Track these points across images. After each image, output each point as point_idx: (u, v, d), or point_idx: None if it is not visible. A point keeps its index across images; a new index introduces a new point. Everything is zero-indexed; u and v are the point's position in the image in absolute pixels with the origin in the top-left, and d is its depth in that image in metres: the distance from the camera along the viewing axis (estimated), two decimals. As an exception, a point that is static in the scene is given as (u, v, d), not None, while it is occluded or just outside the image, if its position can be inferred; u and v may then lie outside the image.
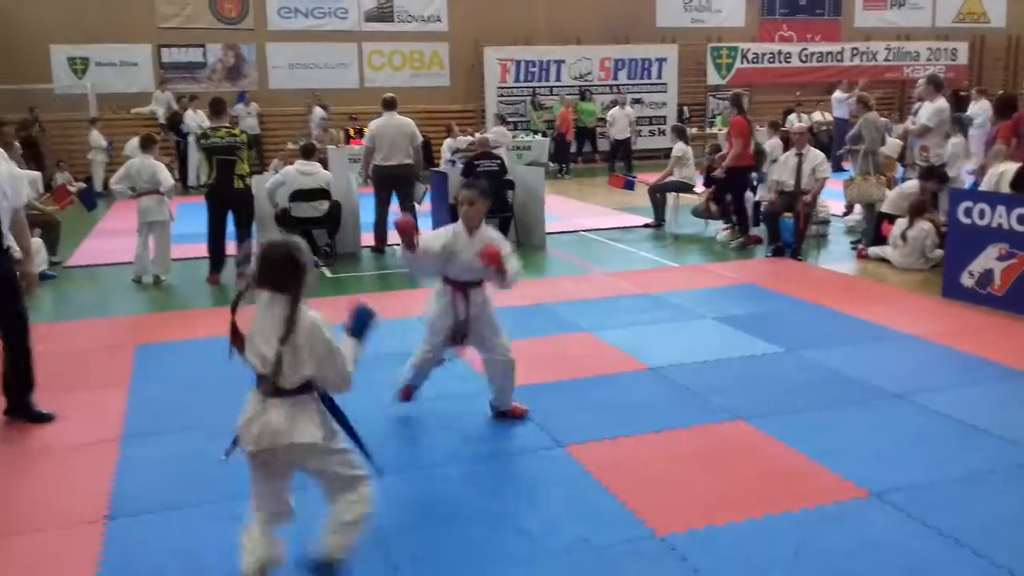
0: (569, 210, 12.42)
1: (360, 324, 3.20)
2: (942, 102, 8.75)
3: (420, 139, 9.77)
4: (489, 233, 4.58)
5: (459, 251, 4.49)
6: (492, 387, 4.74)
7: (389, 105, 9.61)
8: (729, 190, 9.64)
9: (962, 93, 9.66)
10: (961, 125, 8.61)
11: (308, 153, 9.15)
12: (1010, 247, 6.64)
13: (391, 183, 9.48)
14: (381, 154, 9.44)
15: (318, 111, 17.14)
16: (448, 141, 15.38)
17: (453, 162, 12.23)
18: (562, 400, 5.00)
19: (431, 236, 4.58)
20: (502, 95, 18.67)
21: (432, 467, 4.20)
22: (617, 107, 17.01)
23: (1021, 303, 6.53)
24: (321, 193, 8.97)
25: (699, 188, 10.75)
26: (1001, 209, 6.71)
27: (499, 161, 9.80)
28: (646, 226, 10.99)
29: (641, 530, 3.55)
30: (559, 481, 4.03)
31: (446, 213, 9.61)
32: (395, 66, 18.75)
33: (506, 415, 4.74)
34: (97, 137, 16.01)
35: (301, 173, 8.91)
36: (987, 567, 3.22)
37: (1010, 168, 7.24)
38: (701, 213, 10.50)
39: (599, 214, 12.18)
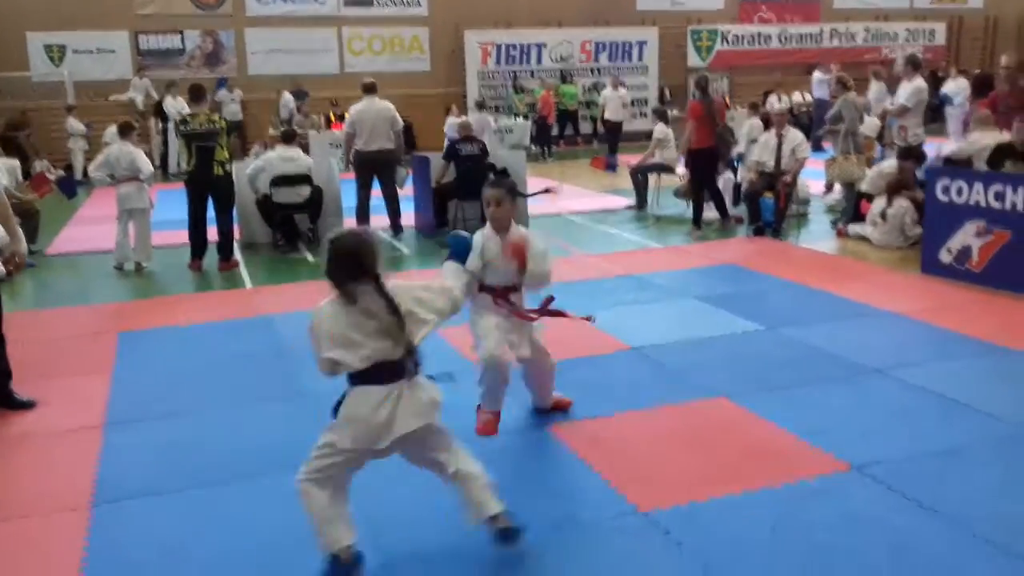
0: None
1: (460, 250, 3.52)
2: (920, 82, 8.80)
3: (401, 123, 9.76)
4: (520, 233, 4.28)
5: (492, 256, 4.18)
6: (533, 389, 4.50)
7: (369, 90, 9.58)
8: (695, 174, 9.52)
9: (940, 73, 9.72)
10: (941, 104, 8.68)
11: (289, 138, 9.11)
12: (987, 223, 6.71)
13: (372, 168, 9.47)
14: (362, 139, 9.43)
15: (287, 96, 16.99)
16: (451, 119, 15.29)
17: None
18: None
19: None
20: (483, 79, 18.62)
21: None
22: (609, 88, 16.72)
23: (999, 279, 6.61)
24: (302, 178, 8.93)
25: (680, 170, 10.77)
26: (978, 186, 6.76)
27: (481, 145, 9.79)
28: (628, 208, 11.01)
29: (624, 506, 3.58)
30: (543, 460, 4.06)
31: (429, 198, 9.62)
32: (375, 51, 18.65)
33: (549, 411, 4.56)
34: (74, 124, 15.86)
35: (282, 159, 8.88)
36: (967, 539, 3.25)
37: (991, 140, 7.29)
38: (683, 194, 10.53)
39: (581, 196, 12.19)
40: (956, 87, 8.62)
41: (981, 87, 8.36)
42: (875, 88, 10.62)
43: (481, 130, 13.65)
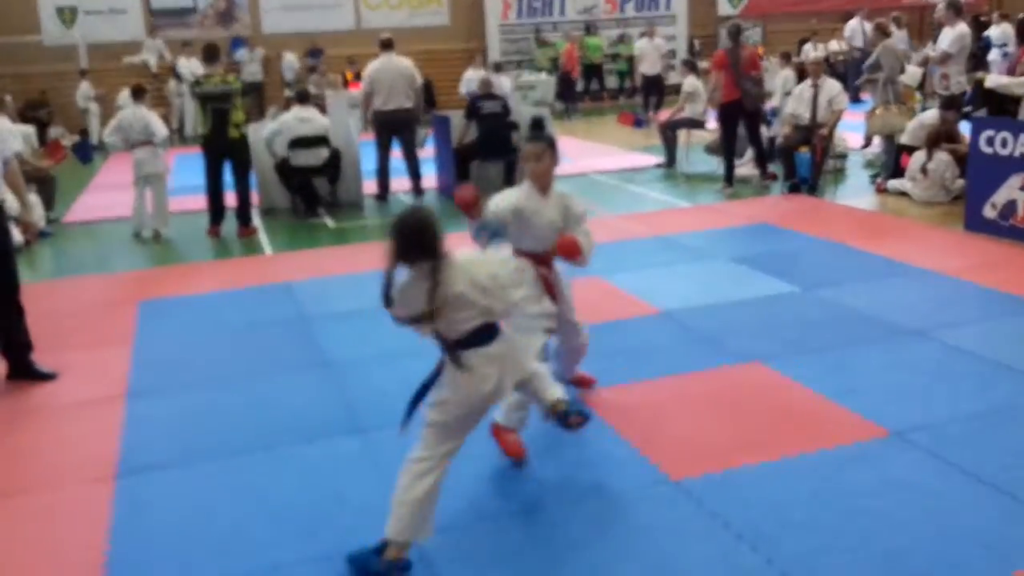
0: (576, 151, 12.16)
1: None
2: (963, 27, 8.42)
3: (420, 81, 9.54)
4: (564, 196, 3.91)
5: (531, 216, 3.79)
6: (561, 360, 4.23)
7: (387, 46, 9.36)
8: (726, 129, 9.05)
9: (983, 18, 9.30)
10: (985, 49, 8.31)
11: (303, 99, 8.92)
12: (1032, 175, 6.42)
13: (392, 128, 9.29)
14: (381, 98, 9.23)
15: (288, 58, 16.68)
16: (469, 73, 14.89)
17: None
18: (574, 345, 4.88)
19: (498, 199, 3.81)
20: (504, 33, 18.23)
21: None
22: (645, 39, 15.49)
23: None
24: (320, 140, 8.77)
25: (711, 124, 10.46)
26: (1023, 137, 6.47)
27: (503, 102, 9.56)
28: (657, 166, 10.75)
29: (656, 475, 3.47)
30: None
31: (450, 158, 9.44)
32: (392, 5, 18.29)
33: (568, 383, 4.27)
34: (87, 88, 15.79)
35: (297, 120, 8.70)
36: (1009, 503, 3.14)
37: None
38: (714, 151, 10.23)
39: (608, 154, 11.93)
40: (1000, 33, 8.22)
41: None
42: (897, 37, 10.16)
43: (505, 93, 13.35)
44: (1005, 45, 8.04)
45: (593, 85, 18.15)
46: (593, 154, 11.97)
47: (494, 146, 9.30)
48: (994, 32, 8.29)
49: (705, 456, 3.59)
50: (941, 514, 3.11)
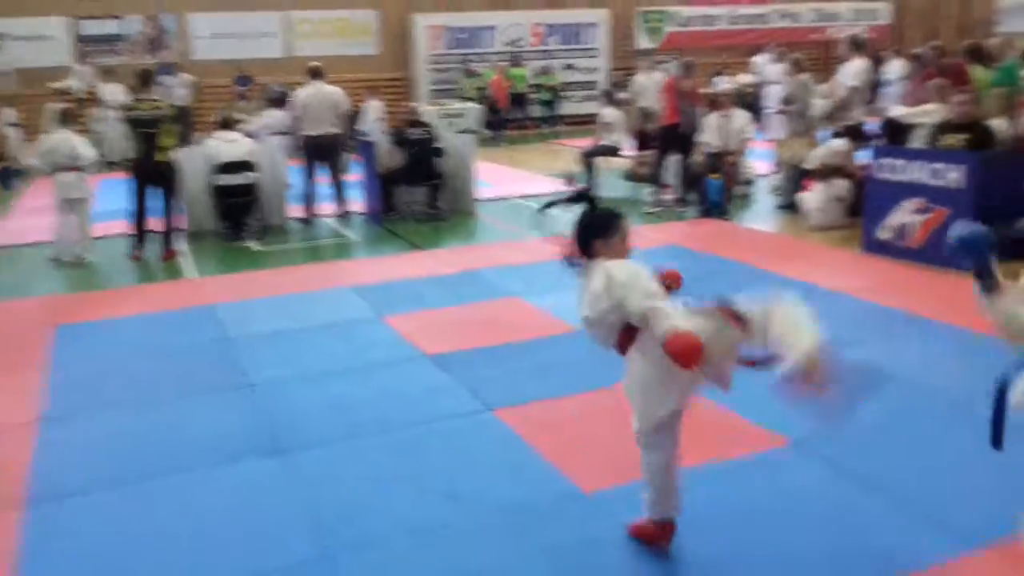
0: (500, 177, 12.38)
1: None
2: (861, 62, 8.92)
3: (345, 107, 9.68)
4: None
5: None
6: None
7: (316, 74, 9.50)
8: (663, 149, 9.62)
9: (881, 53, 9.88)
10: (880, 84, 8.87)
11: (227, 124, 8.95)
12: (927, 201, 6.84)
13: (318, 153, 9.39)
14: (308, 124, 9.33)
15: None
16: (372, 103, 14.72)
17: None
18: (493, 365, 5.03)
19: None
20: (433, 63, 18.45)
21: (360, 437, 4.19)
22: (641, 74, 12.40)
23: (937, 256, 6.74)
24: (244, 165, 8.79)
25: (629, 152, 10.80)
26: (917, 163, 6.90)
27: (429, 128, 9.72)
28: (578, 191, 10.99)
29: (568, 488, 3.61)
30: (488, 444, 4.06)
31: (375, 183, 9.55)
32: (323, 34, 18.36)
33: None
34: (9, 114, 15.40)
35: (222, 145, 8.72)
36: (897, 507, 3.35)
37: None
38: (632, 177, 10.58)
39: (530, 180, 12.17)
40: (896, 67, 8.79)
41: (921, 66, 8.51)
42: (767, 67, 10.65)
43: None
44: (901, 79, 8.60)
45: (518, 114, 18.49)
46: (518, 180, 12.21)
47: (419, 171, 9.46)
48: (889, 67, 8.85)
49: (616, 469, 3.72)
50: (833, 520, 3.31)
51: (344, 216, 9.68)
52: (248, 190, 8.84)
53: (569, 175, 12.56)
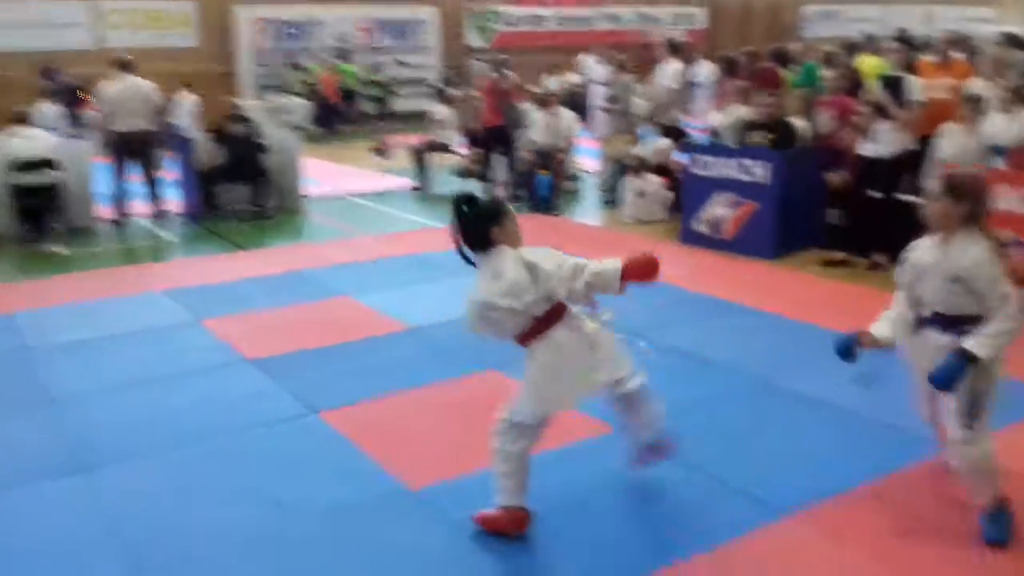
0: (329, 174, 12.12)
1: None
2: (678, 64, 9.34)
3: (158, 101, 9.16)
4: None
5: None
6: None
7: (125, 67, 8.94)
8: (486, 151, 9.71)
9: (692, 57, 10.38)
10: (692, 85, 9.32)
11: (22, 119, 8.26)
12: (737, 195, 7.24)
13: (128, 150, 8.82)
14: (115, 119, 8.76)
15: None
16: (187, 97, 13.98)
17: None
18: (319, 366, 4.89)
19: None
20: (257, 57, 17.81)
21: (174, 449, 3.96)
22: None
23: (748, 246, 7.16)
24: (44, 163, 8.13)
25: (462, 149, 10.83)
26: (727, 160, 7.29)
27: (250, 124, 9.36)
28: (415, 189, 10.94)
29: (395, 486, 3.56)
30: (313, 448, 3.94)
31: (194, 181, 9.11)
32: (137, 24, 17.31)
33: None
34: None
35: (19, 142, 8.03)
36: (715, 484, 3.52)
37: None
38: (463, 173, 10.60)
39: (361, 177, 11.99)
40: (703, 71, 9.28)
41: (725, 69, 8.99)
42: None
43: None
44: (712, 82, 9.07)
45: (349, 111, 18.18)
46: (348, 177, 11.99)
47: (241, 168, 9.09)
48: (699, 70, 9.32)
49: (443, 464, 3.72)
50: (653, 498, 3.44)
51: (159, 216, 9.16)
52: (49, 190, 8.18)
53: (378, 148, 12.54)
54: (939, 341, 3.02)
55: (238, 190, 9.20)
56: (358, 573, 2.99)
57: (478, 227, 3.13)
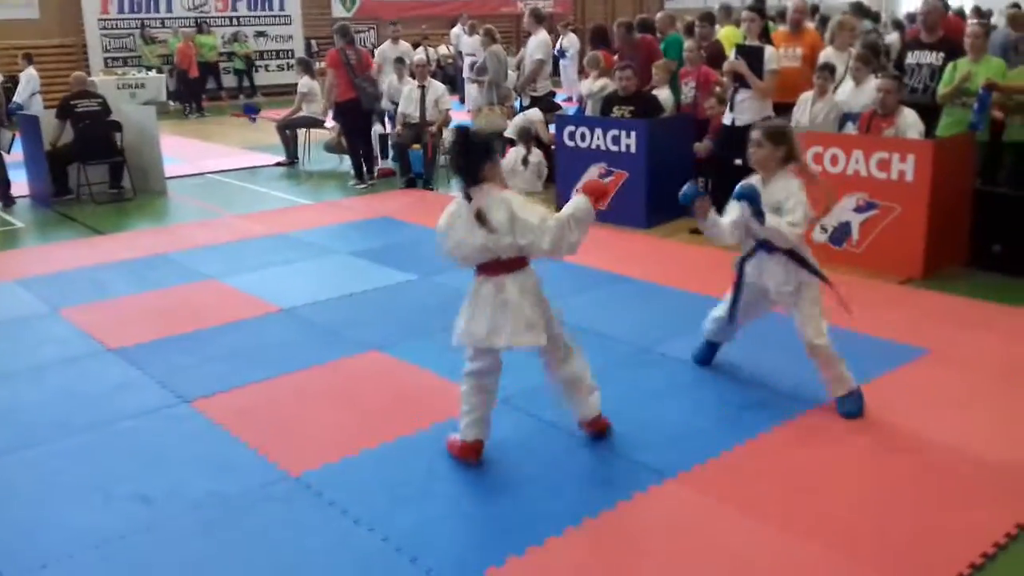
0: (193, 152, 11.60)
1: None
2: (544, 35, 9.36)
3: (-1, 78, 8.50)
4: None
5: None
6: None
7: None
8: (345, 127, 9.33)
9: (558, 27, 10.44)
10: (558, 57, 9.34)
11: None
12: (608, 165, 7.35)
13: (-33, 130, 8.16)
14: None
15: None
16: (29, 71, 13.04)
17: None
18: (188, 353, 4.68)
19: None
20: (105, 28, 16.76)
21: (32, 446, 3.71)
22: (387, 43, 11.51)
23: (618, 215, 7.28)
24: None
25: (329, 123, 10.55)
26: (599, 132, 7.39)
27: (100, 100, 8.81)
28: (278, 164, 10.60)
29: (275, 473, 3.45)
30: (184, 439, 3.77)
31: (42, 162, 8.52)
32: (-33, -6, 15.98)
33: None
34: None
35: None
36: (594, 451, 3.57)
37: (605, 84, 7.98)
38: (333, 148, 10.35)
39: (226, 155, 11.52)
40: (569, 42, 9.32)
41: (596, 39, 9.08)
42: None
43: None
44: (567, 51, 9.12)
45: (210, 84, 17.39)
46: (213, 155, 11.50)
47: (93, 148, 8.57)
48: (564, 41, 9.37)
49: (325, 448, 3.63)
50: (538, 468, 3.45)
51: (6, 201, 8.53)
52: None
53: (250, 104, 12.05)
54: (768, 262, 3.80)
55: (92, 171, 8.67)
56: (237, 563, 2.88)
57: (471, 160, 3.24)
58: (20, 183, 8.82)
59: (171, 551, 2.97)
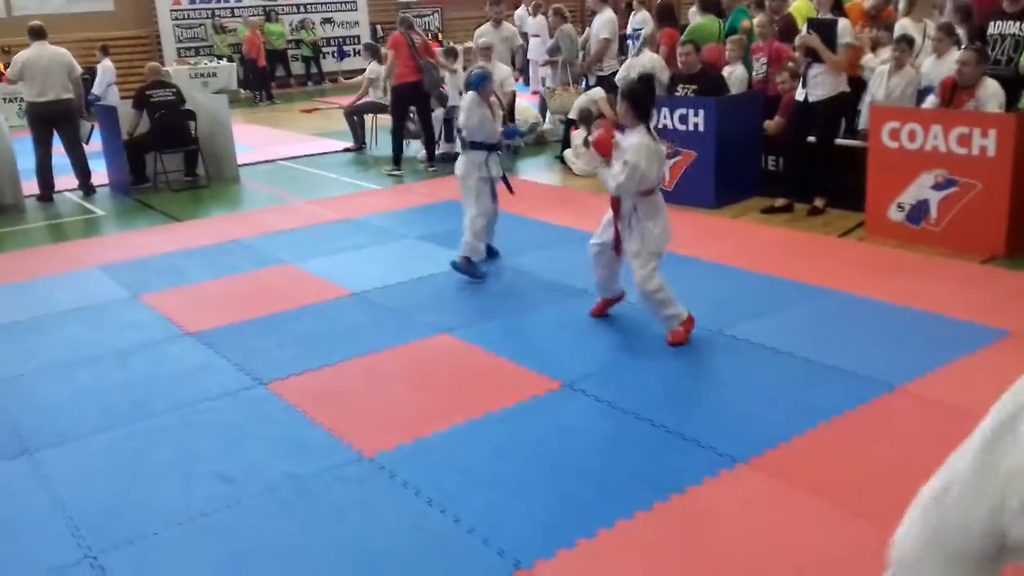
0: (263, 139, 11.83)
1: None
2: (609, 13, 9.25)
3: (79, 71, 8.78)
4: None
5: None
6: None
7: (38, 34, 8.57)
8: (395, 110, 9.29)
9: (629, 4, 10.29)
10: (635, 36, 9.23)
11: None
12: (675, 145, 7.25)
13: (50, 121, 8.47)
14: (35, 90, 8.39)
15: None
16: (105, 63, 13.28)
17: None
18: (264, 337, 4.80)
19: None
20: (177, 19, 17.17)
21: (117, 427, 3.85)
22: (488, 26, 10.81)
23: (687, 195, 7.20)
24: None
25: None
26: (665, 111, 7.28)
27: (174, 89, 9.04)
28: (346, 150, 10.74)
29: (349, 454, 3.52)
30: (261, 420, 3.87)
31: (121, 151, 8.79)
32: (48, -11, 16.51)
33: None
34: None
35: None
36: (663, 435, 3.55)
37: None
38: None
39: (296, 141, 11.72)
40: (640, 19, 9.20)
41: (664, 17, 8.93)
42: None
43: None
44: (640, 29, 8.99)
45: (279, 72, 17.69)
46: (282, 142, 11.71)
47: (169, 137, 8.81)
48: (634, 19, 9.25)
49: (397, 429, 3.69)
50: (606, 451, 3.46)
51: (87, 190, 8.85)
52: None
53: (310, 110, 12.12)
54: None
55: (168, 159, 8.92)
56: (314, 542, 2.96)
57: (647, 102, 4.33)
58: (99, 172, 9.12)
59: (250, 529, 3.06)
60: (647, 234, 4.36)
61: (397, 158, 9.24)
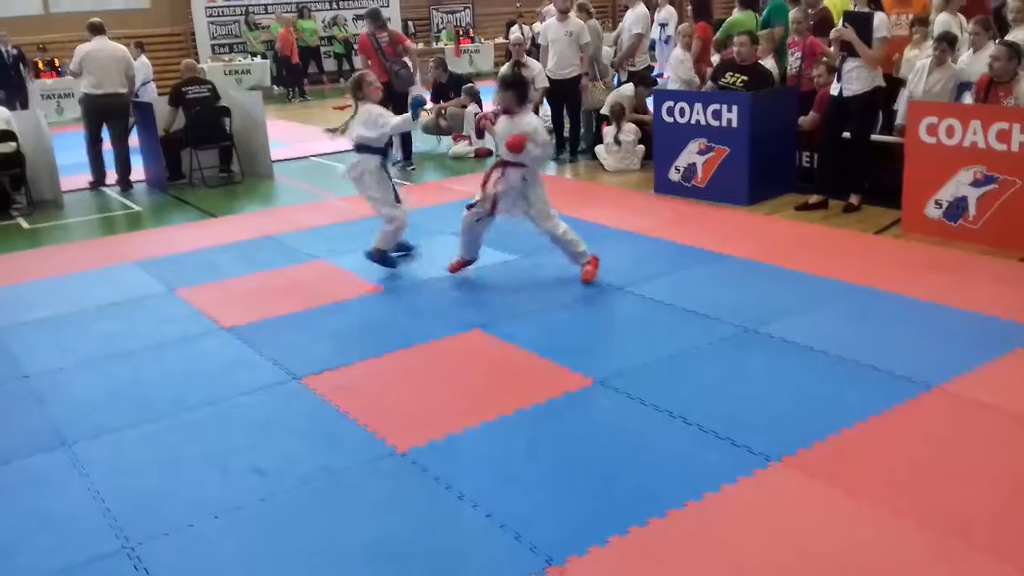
0: (296, 135, 11.93)
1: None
2: (642, 8, 9.20)
3: (135, 69, 9.05)
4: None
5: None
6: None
7: (98, 30, 8.86)
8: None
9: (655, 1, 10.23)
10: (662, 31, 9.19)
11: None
12: (708, 141, 7.21)
13: (104, 114, 8.69)
14: (94, 81, 8.61)
15: None
16: (142, 59, 13.47)
17: None
18: (297, 332, 4.84)
19: None
20: (212, 16, 17.36)
21: (153, 420, 3.91)
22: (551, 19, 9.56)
23: (720, 192, 7.15)
24: (5, 133, 7.91)
25: (428, 104, 10.67)
26: (698, 106, 7.23)
27: (210, 86, 9.14)
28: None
29: (382, 449, 3.53)
30: (295, 414, 3.91)
31: (157, 148, 8.91)
32: (85, -13, 16.76)
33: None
34: None
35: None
36: (697, 433, 3.53)
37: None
38: (431, 129, 10.47)
39: (328, 138, 11.75)
40: (667, 14, 9.15)
41: (699, 11, 8.86)
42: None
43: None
44: (665, 25, 8.94)
45: (312, 68, 17.82)
46: (315, 138, 11.75)
47: (204, 133, 8.91)
48: (660, 15, 9.20)
49: (430, 425, 3.70)
50: (639, 449, 3.44)
51: (124, 185, 8.98)
52: (9, 162, 7.97)
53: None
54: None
55: (203, 155, 9.03)
56: (348, 536, 2.98)
57: (523, 90, 5.29)
58: (136, 168, 9.25)
59: (285, 523, 3.08)
60: (537, 196, 5.29)
61: (407, 155, 9.42)
